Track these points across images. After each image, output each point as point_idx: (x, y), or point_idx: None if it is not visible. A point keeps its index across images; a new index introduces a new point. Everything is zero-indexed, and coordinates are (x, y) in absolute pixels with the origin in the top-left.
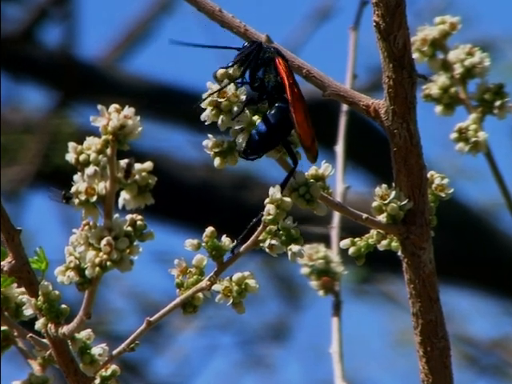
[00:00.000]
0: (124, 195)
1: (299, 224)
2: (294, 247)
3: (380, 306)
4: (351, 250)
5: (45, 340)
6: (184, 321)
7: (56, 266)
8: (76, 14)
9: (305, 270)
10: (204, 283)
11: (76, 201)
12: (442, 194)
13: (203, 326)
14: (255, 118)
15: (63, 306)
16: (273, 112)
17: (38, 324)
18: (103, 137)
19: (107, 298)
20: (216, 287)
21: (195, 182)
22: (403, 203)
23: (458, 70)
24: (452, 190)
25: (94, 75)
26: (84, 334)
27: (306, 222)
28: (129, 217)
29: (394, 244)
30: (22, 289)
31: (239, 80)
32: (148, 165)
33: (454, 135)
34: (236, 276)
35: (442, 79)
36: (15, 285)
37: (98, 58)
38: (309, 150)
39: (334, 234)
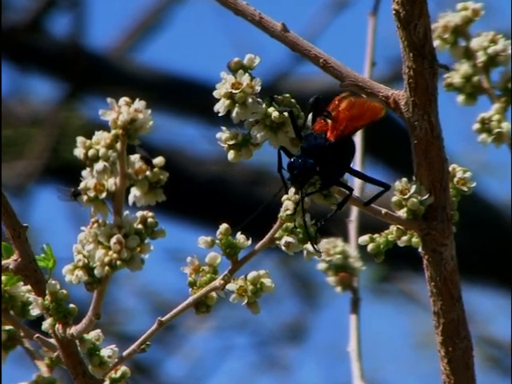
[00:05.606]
0: (134, 192)
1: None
2: (310, 245)
3: (400, 304)
4: (370, 247)
5: (52, 340)
6: (197, 321)
7: (64, 263)
8: (85, 3)
9: (322, 266)
10: (218, 282)
11: (85, 197)
12: (464, 188)
13: (217, 326)
14: (271, 110)
15: (71, 305)
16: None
17: (46, 324)
18: (113, 131)
19: (117, 297)
20: (230, 286)
21: (208, 177)
22: (424, 198)
23: (481, 58)
24: (474, 184)
25: (103, 66)
26: (93, 335)
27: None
28: (139, 214)
29: (415, 240)
30: (29, 287)
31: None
32: (159, 160)
33: (476, 126)
34: (251, 275)
35: (464, 67)
36: (21, 283)
37: (108, 49)
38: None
39: (352, 228)
